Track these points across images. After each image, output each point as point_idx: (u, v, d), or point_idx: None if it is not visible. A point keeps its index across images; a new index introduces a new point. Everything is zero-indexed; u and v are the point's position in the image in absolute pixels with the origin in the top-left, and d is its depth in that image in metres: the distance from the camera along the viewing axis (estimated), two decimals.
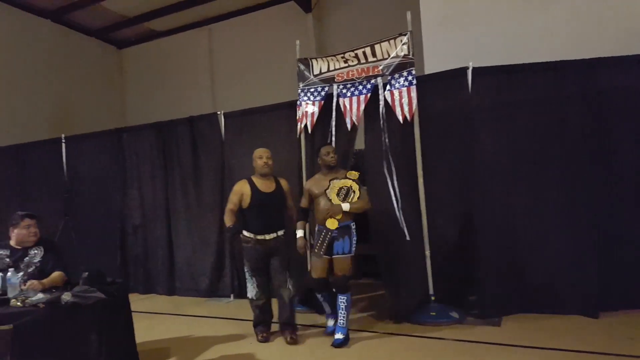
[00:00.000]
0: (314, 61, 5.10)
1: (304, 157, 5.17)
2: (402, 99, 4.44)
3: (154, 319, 5.11)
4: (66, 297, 2.78)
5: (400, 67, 4.53)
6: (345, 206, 3.85)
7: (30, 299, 2.82)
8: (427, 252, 4.46)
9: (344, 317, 3.90)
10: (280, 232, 4.12)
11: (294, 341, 3.99)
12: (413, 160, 4.52)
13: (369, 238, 4.78)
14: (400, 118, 4.45)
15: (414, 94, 4.41)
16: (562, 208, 4.24)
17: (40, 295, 2.87)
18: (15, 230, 3.53)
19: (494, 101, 4.37)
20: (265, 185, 4.15)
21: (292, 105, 5.27)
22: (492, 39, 5.17)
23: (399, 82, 4.51)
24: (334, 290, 3.99)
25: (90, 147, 6.87)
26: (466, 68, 4.39)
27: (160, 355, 3.93)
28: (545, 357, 3.39)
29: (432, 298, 4.45)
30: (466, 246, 4.39)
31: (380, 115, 4.59)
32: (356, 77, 4.80)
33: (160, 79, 12.51)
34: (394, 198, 4.52)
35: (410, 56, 4.53)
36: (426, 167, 4.51)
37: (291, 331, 4.07)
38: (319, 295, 4.12)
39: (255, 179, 4.18)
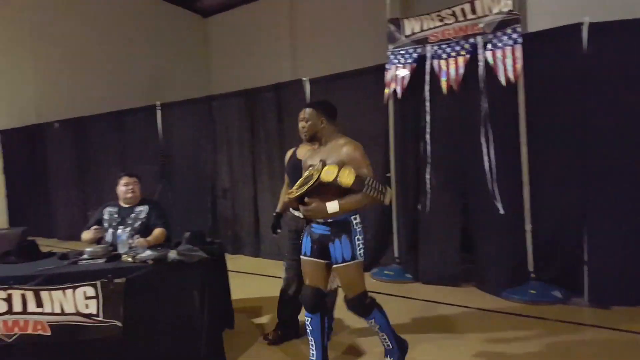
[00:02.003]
0: (406, 21, 4.84)
1: (392, 124, 5.00)
2: (506, 58, 4.10)
3: (244, 278, 5.31)
4: (172, 255, 2.90)
5: (504, 24, 4.16)
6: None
7: (139, 255, 2.98)
8: (528, 227, 4.17)
9: (385, 339, 2.82)
10: None
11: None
12: (515, 127, 4.19)
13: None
14: (503, 80, 4.11)
15: (519, 54, 4.05)
16: None
17: (148, 252, 3.03)
18: (116, 188, 3.76)
19: (614, 62, 3.87)
20: (303, 151, 3.36)
21: (380, 70, 5.06)
22: None
23: (502, 41, 4.15)
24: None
25: (183, 114, 7.16)
26: (580, 24, 3.94)
27: (253, 313, 4.06)
28: None
29: (532, 275, 4.18)
30: (575, 222, 4.03)
31: (480, 78, 4.28)
32: (453, 37, 4.50)
33: (243, 46, 12.68)
34: (487, 168, 4.25)
35: (516, 12, 4.15)
36: (531, 135, 4.16)
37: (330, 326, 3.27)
38: (307, 318, 2.80)
39: (302, 145, 3.50)
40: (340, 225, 2.62)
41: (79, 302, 2.82)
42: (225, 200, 6.72)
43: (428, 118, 4.62)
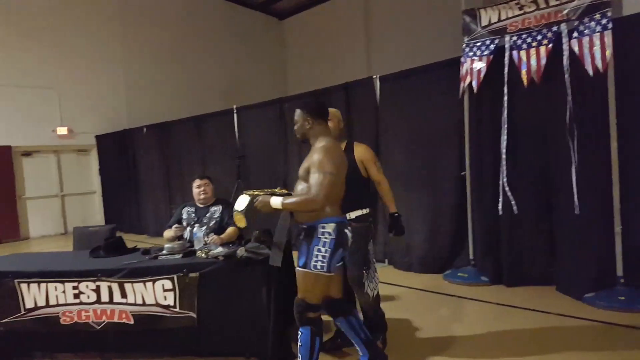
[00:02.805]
0: (482, 11, 4.62)
1: (467, 119, 4.80)
2: (594, 47, 3.76)
3: None
4: (241, 252, 3.00)
5: (592, 9, 3.83)
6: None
7: (212, 251, 3.11)
8: (618, 229, 3.82)
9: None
10: (351, 215, 2.96)
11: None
12: (603, 121, 3.85)
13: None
14: (590, 70, 3.79)
15: (608, 41, 3.70)
16: None
17: (220, 249, 3.16)
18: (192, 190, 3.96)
19: None
20: None
21: (454, 63, 4.87)
22: None
23: (589, 28, 3.83)
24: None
25: (256, 116, 7.39)
26: None
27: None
28: None
29: (621, 281, 3.83)
30: None
31: (564, 68, 3.98)
32: (534, 26, 4.22)
33: (319, 46, 12.84)
34: (573, 165, 3.94)
35: None
36: (622, 129, 3.80)
37: (376, 336, 3.05)
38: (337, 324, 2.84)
39: None
40: (308, 231, 2.52)
41: (158, 294, 3.01)
42: None
43: (506, 113, 4.38)
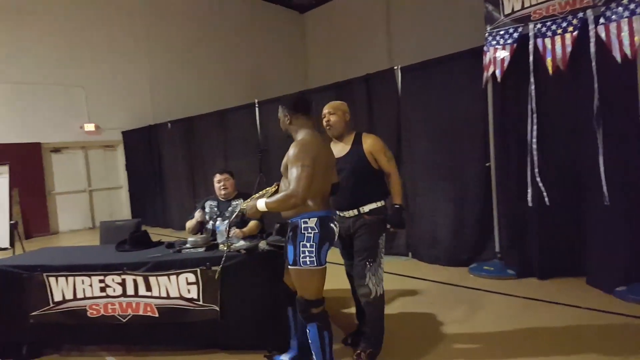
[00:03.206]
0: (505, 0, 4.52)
1: (491, 109, 4.71)
2: (622, 32, 3.63)
3: (335, 268, 5.33)
4: (262, 245, 3.02)
5: None
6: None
7: (234, 245, 3.14)
8: None
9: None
10: (365, 208, 2.94)
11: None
12: (633, 108, 3.73)
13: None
14: (619, 57, 3.66)
15: (637, 26, 3.56)
16: None
17: (242, 242, 3.20)
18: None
19: None
20: (338, 148, 3.06)
21: (476, 53, 4.79)
22: None
23: (616, 13, 3.69)
24: None
25: (277, 110, 7.36)
26: None
27: (341, 304, 4.06)
28: None
29: None
30: None
31: (591, 56, 3.86)
32: (559, 12, 4.10)
33: (340, 38, 12.78)
34: (601, 155, 3.83)
35: None
36: None
37: (363, 347, 2.96)
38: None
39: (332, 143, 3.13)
40: (291, 228, 2.52)
41: (182, 287, 3.05)
42: None
43: (533, 103, 4.28)
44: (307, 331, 2.56)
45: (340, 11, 12.70)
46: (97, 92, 10.72)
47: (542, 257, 4.42)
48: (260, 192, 2.68)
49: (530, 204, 4.37)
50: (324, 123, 3.07)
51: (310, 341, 2.56)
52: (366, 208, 2.93)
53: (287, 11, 13.88)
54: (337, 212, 3.00)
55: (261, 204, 2.48)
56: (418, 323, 3.59)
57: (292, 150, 2.45)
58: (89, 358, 3.30)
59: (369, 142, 3.01)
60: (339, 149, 3.03)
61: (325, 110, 3.08)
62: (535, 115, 4.28)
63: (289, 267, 2.54)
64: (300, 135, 2.58)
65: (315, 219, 2.47)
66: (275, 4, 13.50)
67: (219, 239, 3.44)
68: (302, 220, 2.47)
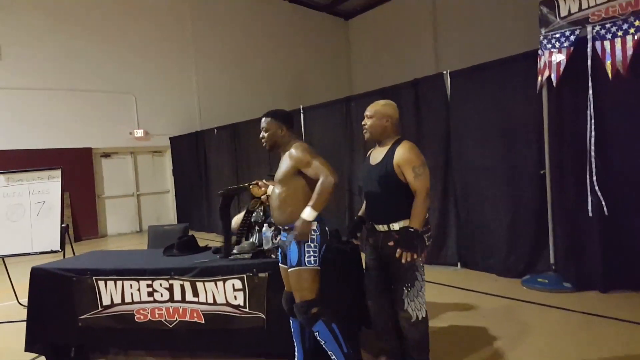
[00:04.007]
0: (561, 1, 4.31)
1: (546, 114, 4.51)
2: None
3: None
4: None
5: None
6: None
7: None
8: None
9: (333, 357, 2.59)
10: (395, 225, 2.68)
11: None
12: None
13: None
14: None
15: None
16: None
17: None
18: None
19: None
20: (375, 154, 2.85)
21: (530, 57, 4.61)
22: None
23: None
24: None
25: (323, 116, 7.38)
26: None
27: None
28: None
29: None
30: None
31: None
32: (619, 14, 3.88)
33: (385, 44, 12.70)
34: None
35: None
36: None
37: None
38: (290, 321, 2.88)
39: (374, 149, 2.94)
40: (292, 230, 2.58)
41: (228, 293, 3.04)
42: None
43: (592, 108, 4.06)
44: (316, 334, 2.57)
45: (386, 17, 12.60)
46: (147, 99, 11.06)
47: (603, 269, 4.17)
48: (243, 184, 2.94)
49: (590, 214, 4.13)
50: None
51: (324, 342, 2.57)
52: (396, 225, 2.66)
53: (332, 18, 13.92)
54: (370, 222, 2.84)
55: (309, 212, 2.50)
56: (467, 338, 3.43)
57: (296, 152, 2.59)
58: None
59: (399, 153, 2.66)
60: (375, 156, 2.82)
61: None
62: (593, 122, 4.06)
63: (293, 268, 2.58)
64: (294, 144, 2.67)
65: (316, 222, 2.57)
66: (321, 12, 13.56)
67: (265, 246, 3.40)
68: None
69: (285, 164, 2.64)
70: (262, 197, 3.29)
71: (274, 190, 2.74)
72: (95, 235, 10.38)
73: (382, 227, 2.73)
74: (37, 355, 3.43)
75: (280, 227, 2.74)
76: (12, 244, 4.48)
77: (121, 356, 3.44)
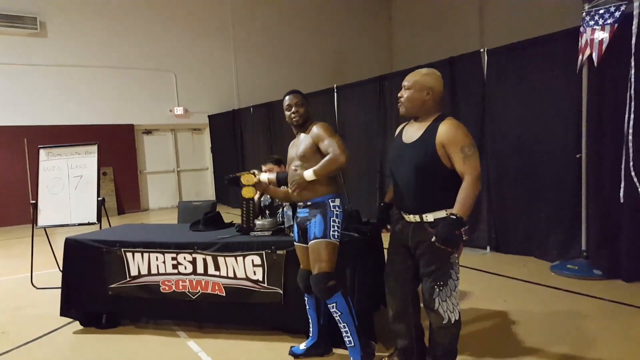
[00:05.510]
0: None
1: (585, 96, 4.29)
2: None
3: None
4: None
5: None
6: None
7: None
8: None
9: (347, 333, 2.63)
10: (429, 217, 2.32)
11: None
12: None
13: None
14: None
15: None
16: None
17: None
18: None
19: None
20: (411, 131, 2.45)
21: (571, 34, 4.40)
22: None
23: None
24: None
25: (356, 94, 7.32)
26: None
27: None
28: None
29: None
30: None
31: None
32: None
33: (428, 20, 12.34)
34: None
35: None
36: None
37: None
38: (305, 298, 2.91)
39: (409, 124, 2.54)
40: (317, 206, 2.67)
41: (248, 268, 3.14)
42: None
43: (632, 89, 3.84)
44: (333, 305, 2.61)
45: None
46: (187, 77, 11.29)
47: (633, 258, 4.01)
48: (245, 172, 3.05)
49: (622, 200, 3.95)
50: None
51: (340, 314, 2.62)
52: (430, 217, 2.30)
53: None
54: (401, 214, 2.48)
55: (310, 174, 2.60)
56: (492, 320, 3.40)
57: (317, 129, 2.69)
58: (162, 331, 3.49)
59: (443, 130, 2.25)
60: (410, 134, 2.40)
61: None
62: (633, 103, 3.84)
63: (317, 240, 2.63)
64: (316, 122, 2.78)
65: (339, 199, 2.71)
66: None
67: (286, 224, 3.46)
68: (329, 200, 2.68)
69: (307, 140, 2.73)
70: (255, 196, 3.08)
71: (290, 171, 2.79)
72: (138, 209, 10.81)
73: (412, 218, 2.36)
74: (72, 320, 3.66)
75: (302, 203, 2.74)
76: (53, 216, 4.75)
77: (150, 325, 3.61)
